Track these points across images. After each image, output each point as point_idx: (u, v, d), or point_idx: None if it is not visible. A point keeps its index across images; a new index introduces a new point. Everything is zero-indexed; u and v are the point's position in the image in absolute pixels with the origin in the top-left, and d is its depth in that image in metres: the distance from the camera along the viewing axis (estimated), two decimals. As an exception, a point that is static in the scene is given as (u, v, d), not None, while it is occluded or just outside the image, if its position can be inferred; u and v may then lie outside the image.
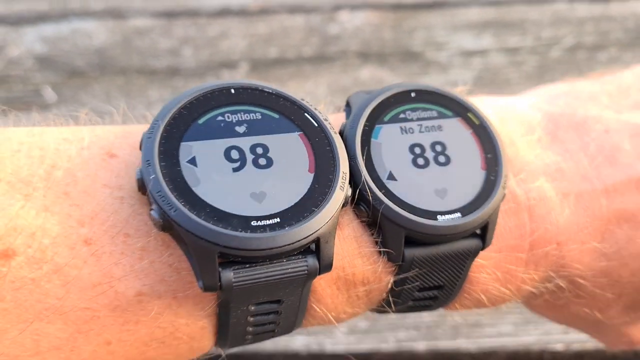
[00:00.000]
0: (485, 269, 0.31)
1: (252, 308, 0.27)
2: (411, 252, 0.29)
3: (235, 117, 0.27)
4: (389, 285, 0.30)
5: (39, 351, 0.24)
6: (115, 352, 0.26)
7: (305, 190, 0.26)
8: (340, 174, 0.27)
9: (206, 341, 0.28)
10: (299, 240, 0.25)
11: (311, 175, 0.26)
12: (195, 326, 0.27)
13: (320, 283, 0.28)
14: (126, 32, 0.84)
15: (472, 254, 0.30)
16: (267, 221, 0.25)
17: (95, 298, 0.24)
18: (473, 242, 0.29)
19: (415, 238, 0.28)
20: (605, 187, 0.31)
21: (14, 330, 0.24)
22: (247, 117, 0.27)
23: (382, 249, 0.28)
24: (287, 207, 0.25)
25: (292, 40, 0.84)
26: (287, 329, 0.30)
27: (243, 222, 0.24)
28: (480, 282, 0.31)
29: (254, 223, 0.24)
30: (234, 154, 0.26)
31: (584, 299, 0.33)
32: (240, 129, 0.27)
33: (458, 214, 0.29)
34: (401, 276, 0.29)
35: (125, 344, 0.26)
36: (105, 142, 0.27)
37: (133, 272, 0.25)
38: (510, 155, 0.32)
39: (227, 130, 0.26)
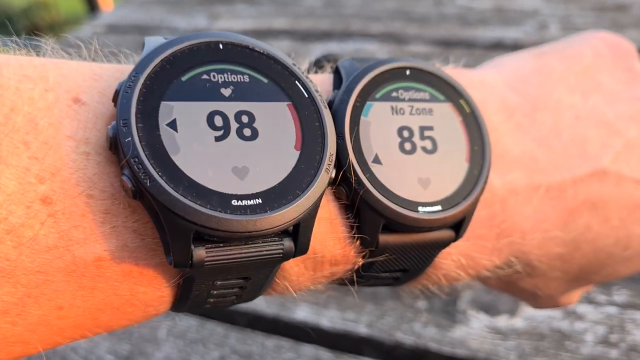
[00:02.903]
0: (451, 256, 0.31)
1: (218, 283, 0.26)
2: (385, 239, 0.28)
3: (221, 77, 0.25)
4: (356, 267, 0.29)
5: None
6: (65, 317, 0.24)
7: (290, 170, 0.24)
8: (327, 155, 0.25)
9: (162, 308, 0.27)
10: (279, 225, 0.23)
11: (297, 154, 0.25)
12: (154, 295, 0.25)
13: (289, 261, 0.27)
14: (406, 56, 0.92)
15: (444, 244, 0.29)
16: (248, 201, 0.23)
17: (50, 262, 0.22)
18: (447, 234, 0.29)
19: (393, 227, 0.28)
20: (573, 178, 0.32)
21: None
22: (234, 78, 0.25)
23: (356, 235, 0.27)
24: (269, 187, 0.24)
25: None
26: (248, 300, 0.29)
27: (223, 200, 0.23)
28: (443, 267, 0.31)
29: (234, 202, 0.23)
30: (218, 121, 0.24)
31: (535, 278, 0.35)
32: (226, 92, 0.24)
33: (439, 207, 0.28)
34: (370, 260, 0.28)
35: (77, 310, 0.24)
36: (72, 85, 0.24)
37: (93, 236, 0.23)
38: (491, 143, 0.31)
39: (212, 92, 0.24)
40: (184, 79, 0.24)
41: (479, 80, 0.33)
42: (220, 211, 0.22)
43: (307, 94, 0.26)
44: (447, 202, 0.28)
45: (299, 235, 0.25)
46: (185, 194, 0.22)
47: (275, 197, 0.24)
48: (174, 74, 0.24)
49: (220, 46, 0.25)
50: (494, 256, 0.32)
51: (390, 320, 0.55)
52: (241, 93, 0.25)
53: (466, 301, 0.56)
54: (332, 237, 0.27)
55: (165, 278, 0.25)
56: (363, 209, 0.27)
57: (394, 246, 0.28)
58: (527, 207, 0.31)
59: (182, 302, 0.26)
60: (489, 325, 0.54)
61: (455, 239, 0.29)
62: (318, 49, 0.95)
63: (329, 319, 0.56)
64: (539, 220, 0.32)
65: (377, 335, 0.54)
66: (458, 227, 0.29)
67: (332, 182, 0.26)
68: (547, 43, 0.38)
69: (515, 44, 0.91)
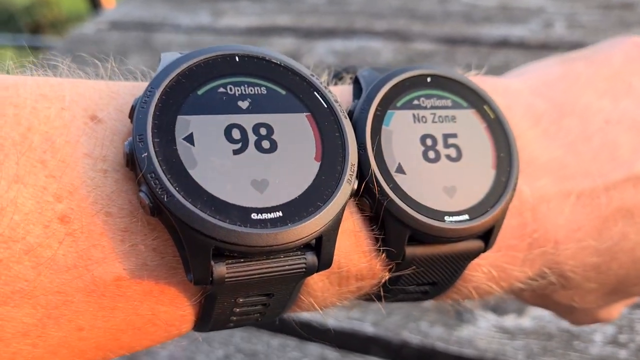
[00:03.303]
0: (481, 267, 0.30)
1: (241, 300, 0.25)
2: (412, 251, 0.27)
3: (238, 90, 0.24)
4: (383, 281, 0.28)
5: (2, 337, 0.22)
6: (86, 339, 0.24)
7: (311, 181, 0.24)
8: (349, 166, 0.24)
9: (185, 327, 0.26)
10: (301, 239, 0.23)
11: (317, 165, 0.24)
12: (176, 314, 0.25)
13: (313, 277, 0.26)
14: (411, 54, 0.91)
15: (474, 255, 0.28)
16: (269, 214, 0.22)
17: (69, 282, 0.22)
18: (476, 244, 0.28)
19: (418, 238, 0.27)
20: (605, 184, 0.31)
21: None
22: (251, 90, 0.24)
23: (382, 247, 0.27)
24: (290, 199, 0.23)
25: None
26: (272, 318, 0.28)
27: (243, 214, 0.22)
28: (473, 280, 0.30)
29: (254, 216, 0.22)
30: (235, 134, 0.23)
31: (570, 290, 0.34)
32: (244, 105, 0.24)
33: (466, 216, 0.27)
34: (397, 273, 0.28)
35: (99, 331, 0.24)
36: (89, 103, 0.24)
37: (113, 255, 0.23)
38: (518, 149, 0.30)
39: (229, 105, 0.24)
40: (200, 92, 0.24)
41: (503, 87, 0.33)
42: (239, 225, 0.22)
43: (327, 104, 0.25)
44: (475, 211, 0.27)
45: (321, 248, 0.24)
46: (203, 209, 0.22)
47: (296, 209, 0.23)
48: (190, 88, 0.24)
49: (237, 59, 0.25)
50: (526, 267, 0.31)
51: (397, 319, 0.55)
52: (259, 105, 0.24)
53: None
54: (357, 251, 0.27)
55: (186, 297, 0.24)
56: (387, 220, 0.26)
57: (421, 258, 0.27)
58: (560, 215, 0.30)
59: (205, 321, 0.26)
60: (497, 324, 0.54)
61: (484, 250, 0.28)
62: (322, 47, 0.95)
63: (335, 317, 0.56)
64: (572, 230, 0.31)
65: (384, 334, 0.54)
66: (487, 236, 0.28)
67: (355, 194, 0.26)
68: (575, 50, 0.38)
69: (521, 42, 0.91)
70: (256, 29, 1.03)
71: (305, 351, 0.54)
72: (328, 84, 0.30)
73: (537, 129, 0.31)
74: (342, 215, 0.24)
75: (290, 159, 0.24)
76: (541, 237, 0.30)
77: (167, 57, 0.25)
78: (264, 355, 0.54)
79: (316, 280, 0.27)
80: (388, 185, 0.26)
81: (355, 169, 0.25)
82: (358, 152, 0.26)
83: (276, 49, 1.02)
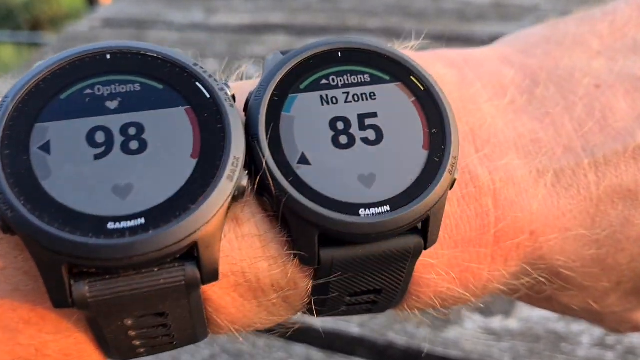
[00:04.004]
0: (434, 269, 0.25)
1: (129, 322, 0.22)
2: (329, 254, 0.23)
3: (107, 90, 0.22)
4: (308, 291, 0.25)
5: None
6: None
7: (184, 181, 0.21)
8: (231, 159, 0.22)
9: (90, 356, 0.24)
10: (167, 247, 0.20)
11: (194, 162, 0.22)
12: (67, 342, 0.23)
13: (215, 291, 0.23)
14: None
15: (412, 254, 0.24)
16: (129, 222, 0.20)
17: None
18: (412, 240, 0.24)
19: (333, 237, 0.23)
20: (594, 159, 0.26)
21: None
22: (122, 89, 0.23)
23: (291, 251, 0.24)
24: (156, 203, 0.21)
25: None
26: (189, 340, 0.26)
27: (97, 224, 0.20)
28: (430, 284, 0.26)
29: (110, 225, 0.20)
30: (99, 137, 0.21)
31: (574, 291, 0.29)
32: (112, 105, 0.22)
33: (386, 207, 0.23)
34: (321, 281, 0.24)
35: None
36: None
37: None
38: (472, 126, 0.26)
39: (95, 107, 0.22)
40: (63, 96, 0.22)
41: (462, 57, 0.29)
42: (91, 237, 0.20)
43: (209, 94, 0.23)
44: (399, 201, 0.23)
45: (200, 257, 0.21)
46: (51, 222, 0.20)
47: (162, 214, 0.21)
48: (51, 93, 0.22)
49: (108, 56, 0.23)
50: (498, 265, 0.26)
51: (383, 320, 0.55)
52: (130, 104, 0.22)
53: (460, 301, 0.56)
54: (264, 257, 0.23)
55: (68, 321, 0.22)
56: (291, 219, 0.23)
57: (343, 262, 0.24)
58: (532, 200, 0.26)
59: (105, 348, 0.24)
60: (483, 326, 0.54)
61: (425, 246, 0.24)
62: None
63: (321, 318, 0.55)
64: (553, 216, 0.26)
65: (369, 335, 0.54)
66: (425, 230, 0.24)
67: (253, 192, 0.23)
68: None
69: (514, 39, 0.90)
70: (249, 27, 1.03)
71: (290, 352, 0.53)
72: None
73: (500, 101, 0.27)
74: (223, 217, 0.22)
75: (162, 159, 0.22)
76: (509, 228, 0.26)
77: (38, 65, 0.23)
78: (249, 355, 0.54)
79: (220, 295, 0.24)
80: (287, 179, 0.23)
81: (240, 163, 0.22)
82: (251, 145, 0.23)
83: (269, 47, 1.01)
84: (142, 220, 0.20)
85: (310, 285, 0.24)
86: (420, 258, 0.25)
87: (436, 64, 0.28)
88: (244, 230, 0.23)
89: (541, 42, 0.29)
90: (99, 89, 0.22)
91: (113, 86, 0.23)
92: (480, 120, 0.26)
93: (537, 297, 0.30)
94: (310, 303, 0.26)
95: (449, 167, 0.24)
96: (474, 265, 0.26)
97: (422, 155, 0.24)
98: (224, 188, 0.21)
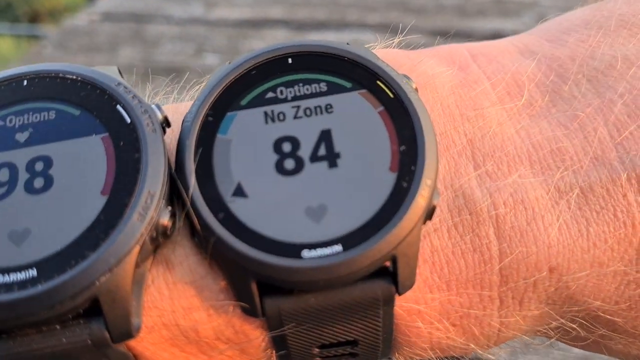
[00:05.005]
0: (421, 316, 0.21)
1: None
2: (274, 304, 0.20)
3: (19, 120, 0.20)
4: (265, 343, 0.21)
5: None
6: None
7: (89, 224, 0.19)
8: (144, 195, 0.19)
9: None
10: (60, 303, 0.18)
11: (103, 200, 0.19)
12: None
13: (147, 347, 0.20)
14: (403, 47, 0.91)
15: (382, 301, 0.20)
16: (19, 275, 0.18)
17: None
18: (378, 286, 0.20)
19: (273, 284, 0.19)
20: (636, 173, 0.20)
21: None
22: (35, 118, 0.20)
23: (230, 301, 0.20)
24: (52, 252, 0.18)
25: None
26: None
27: None
28: (420, 333, 0.21)
29: (0, 279, 0.18)
30: (4, 175, 0.19)
31: (625, 338, 0.23)
32: (22, 137, 0.20)
33: (338, 247, 0.19)
34: (275, 333, 0.20)
35: None
36: None
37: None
38: (472, 137, 0.21)
39: (5, 141, 0.20)
40: None
41: (471, 54, 0.24)
42: None
43: (131, 119, 0.20)
44: (355, 238, 0.19)
45: (104, 313, 0.18)
46: None
47: (55, 264, 0.18)
48: None
49: (25, 83, 0.21)
50: (511, 309, 0.21)
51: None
52: (40, 135, 0.20)
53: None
54: (201, 307, 0.20)
55: None
56: (223, 264, 0.20)
57: (293, 313, 0.20)
58: (550, 228, 0.20)
59: None
60: (479, 321, 0.54)
61: (398, 292, 0.20)
62: (314, 39, 0.95)
63: None
64: (580, 249, 0.21)
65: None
66: (396, 272, 0.20)
67: (163, 232, 0.19)
68: None
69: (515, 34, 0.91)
70: (248, 21, 1.02)
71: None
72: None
73: (513, 103, 0.22)
74: (132, 265, 0.18)
75: (66, 198, 0.19)
76: (518, 263, 0.21)
77: None
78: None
79: (154, 351, 0.21)
80: (216, 216, 0.19)
81: (156, 198, 0.19)
82: (177, 175, 0.20)
83: (268, 42, 1.02)
84: (34, 273, 0.18)
85: (266, 336, 0.21)
86: (403, 303, 0.21)
87: (428, 62, 0.24)
88: (176, 275, 0.20)
89: (577, 27, 0.24)
90: (10, 120, 0.20)
91: (26, 115, 0.21)
92: (482, 129, 0.22)
93: (581, 344, 0.24)
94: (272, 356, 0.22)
95: (419, 192, 0.19)
96: (476, 312, 0.21)
97: (388, 180, 0.20)
98: (132, 230, 0.18)
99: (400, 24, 1.10)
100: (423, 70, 0.23)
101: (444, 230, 0.21)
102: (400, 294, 0.20)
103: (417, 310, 0.21)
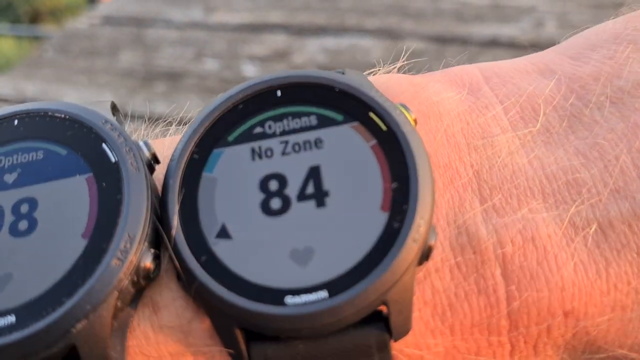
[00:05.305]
0: None
1: None
2: (260, 351, 0.19)
3: (9, 160, 0.20)
4: None
5: None
6: None
7: (68, 268, 0.18)
8: (123, 239, 0.18)
9: None
10: (38, 351, 0.17)
11: (84, 243, 0.19)
12: None
13: None
14: (400, 52, 0.91)
15: (376, 348, 0.19)
16: None
17: None
18: (370, 333, 0.18)
19: (257, 331, 0.18)
20: None
21: None
22: (24, 158, 0.20)
23: (217, 347, 0.19)
24: (30, 298, 0.18)
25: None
26: None
27: None
28: None
29: None
30: None
31: None
32: (10, 178, 0.20)
33: (324, 293, 0.18)
34: None
35: None
36: None
37: None
38: (478, 168, 0.20)
39: None
40: None
41: (484, 75, 0.22)
42: None
43: (115, 157, 0.20)
44: (342, 283, 0.18)
45: None
46: None
47: (33, 311, 0.18)
48: None
49: (15, 122, 0.21)
50: (524, 355, 0.20)
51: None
52: (28, 176, 0.20)
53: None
54: (189, 352, 0.19)
55: None
56: (206, 309, 0.19)
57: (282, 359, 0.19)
58: (564, 268, 0.19)
59: None
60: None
61: (394, 338, 0.19)
62: (313, 44, 0.95)
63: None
64: (599, 291, 0.19)
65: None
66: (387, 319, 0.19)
67: (145, 276, 0.19)
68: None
69: (511, 41, 0.91)
70: (248, 26, 1.03)
71: None
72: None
73: (527, 129, 0.20)
74: (109, 311, 0.18)
75: (48, 241, 0.19)
76: (529, 307, 0.19)
77: None
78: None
79: None
80: (198, 259, 0.18)
81: (136, 242, 0.18)
82: (161, 216, 0.19)
83: (268, 46, 1.01)
84: (12, 319, 0.18)
85: None
86: (403, 347, 0.19)
87: (433, 87, 0.22)
88: (162, 319, 0.19)
89: (605, 42, 0.22)
90: (0, 160, 0.20)
91: (15, 156, 0.20)
92: (490, 160, 0.20)
93: None
94: None
95: (411, 233, 0.18)
96: (484, 359, 0.20)
97: (379, 220, 0.19)
98: (109, 275, 0.18)
99: (399, 29, 1.10)
100: (426, 96, 0.22)
101: (446, 270, 0.19)
102: (395, 341, 0.19)
103: (419, 356, 0.20)
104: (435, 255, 0.19)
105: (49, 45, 1.07)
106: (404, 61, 0.24)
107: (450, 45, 0.92)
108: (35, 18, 2.98)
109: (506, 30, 0.93)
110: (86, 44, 1.04)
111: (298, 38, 0.97)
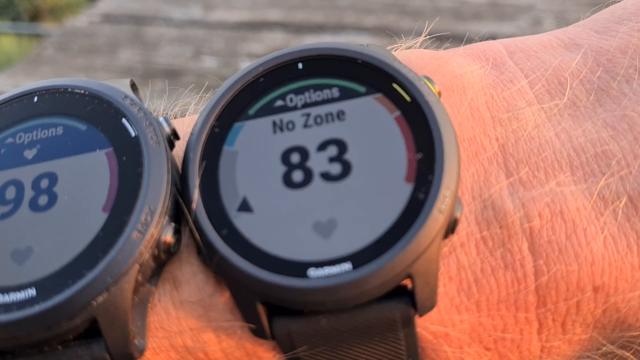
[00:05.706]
0: (449, 339, 0.19)
1: None
2: (284, 326, 0.18)
3: (29, 137, 0.20)
4: None
5: None
6: None
7: (88, 242, 0.18)
8: (143, 211, 0.18)
9: None
10: (58, 323, 0.17)
11: (104, 217, 0.18)
12: None
13: None
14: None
15: (401, 323, 0.18)
16: (18, 294, 0.18)
17: None
18: (395, 307, 0.18)
19: (280, 304, 0.18)
20: None
21: None
22: (44, 134, 0.20)
23: (238, 322, 0.19)
24: (51, 271, 0.18)
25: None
26: None
27: None
28: (450, 357, 0.19)
29: (0, 299, 0.18)
30: (10, 193, 0.19)
31: None
32: (30, 154, 0.20)
33: (347, 265, 0.17)
34: (290, 355, 0.19)
35: None
36: None
37: None
38: (504, 141, 0.19)
39: (13, 158, 0.20)
40: None
41: (508, 50, 0.22)
42: None
43: (135, 132, 0.19)
44: (367, 255, 0.17)
45: (104, 335, 0.18)
46: None
47: (55, 283, 0.17)
48: None
49: (35, 99, 0.21)
50: (552, 333, 0.19)
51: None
52: (47, 151, 0.20)
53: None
54: (210, 327, 0.19)
55: None
56: (227, 283, 0.19)
57: (305, 335, 0.18)
58: (593, 242, 0.18)
59: None
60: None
61: (420, 313, 0.18)
62: (311, 42, 0.96)
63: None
64: (630, 266, 0.18)
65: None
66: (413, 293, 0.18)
67: (166, 250, 0.18)
68: None
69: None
70: (247, 24, 1.03)
71: None
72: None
73: (553, 102, 0.20)
74: (130, 284, 0.18)
75: (68, 216, 0.19)
76: (557, 283, 0.18)
77: None
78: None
79: None
80: (219, 232, 0.18)
81: (157, 214, 0.18)
82: (182, 190, 0.19)
83: (266, 44, 1.02)
84: (33, 292, 0.18)
85: (280, 359, 0.20)
86: (428, 324, 0.19)
87: (456, 61, 0.21)
88: (183, 294, 0.19)
89: (632, 14, 0.21)
90: (20, 137, 0.20)
91: (35, 132, 0.20)
92: (516, 133, 0.20)
93: None
94: None
95: (437, 204, 0.17)
96: (511, 335, 0.19)
97: (404, 191, 0.18)
98: (130, 248, 0.18)
99: (397, 27, 1.11)
100: (450, 69, 0.21)
101: (472, 245, 0.19)
102: (420, 316, 0.18)
103: (444, 333, 0.19)
104: (461, 229, 0.19)
105: (49, 43, 1.07)
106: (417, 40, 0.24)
107: (448, 44, 0.92)
108: (35, 16, 2.98)
109: (504, 29, 0.94)
110: (86, 41, 1.05)
111: (296, 36, 0.97)
